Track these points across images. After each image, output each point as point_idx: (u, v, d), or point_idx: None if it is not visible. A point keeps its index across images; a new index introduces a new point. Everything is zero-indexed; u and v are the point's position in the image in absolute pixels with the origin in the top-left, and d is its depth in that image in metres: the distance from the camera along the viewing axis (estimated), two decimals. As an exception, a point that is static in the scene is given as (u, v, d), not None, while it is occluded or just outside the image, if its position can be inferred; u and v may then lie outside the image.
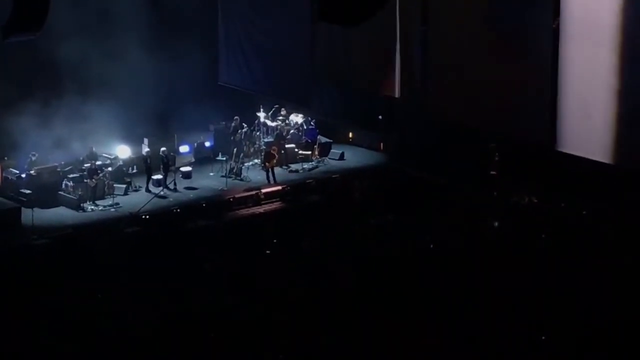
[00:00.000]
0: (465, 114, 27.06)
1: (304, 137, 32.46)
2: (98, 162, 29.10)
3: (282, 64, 30.53)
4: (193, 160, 31.62)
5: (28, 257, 25.08)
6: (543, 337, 20.61)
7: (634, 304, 21.64)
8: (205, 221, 27.73)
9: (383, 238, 26.26)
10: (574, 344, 20.28)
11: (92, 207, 28.08)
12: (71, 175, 28.59)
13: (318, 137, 32.64)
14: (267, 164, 30.34)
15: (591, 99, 24.42)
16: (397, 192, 29.35)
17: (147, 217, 27.41)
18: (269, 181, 30.23)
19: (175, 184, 29.51)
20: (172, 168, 29.95)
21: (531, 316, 21.42)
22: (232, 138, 31.44)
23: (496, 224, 26.80)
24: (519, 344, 20.36)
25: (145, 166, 29.74)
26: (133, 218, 27.22)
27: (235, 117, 31.86)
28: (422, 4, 27.99)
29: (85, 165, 28.93)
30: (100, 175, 28.41)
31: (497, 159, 29.40)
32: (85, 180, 28.24)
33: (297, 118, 32.75)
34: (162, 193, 29.08)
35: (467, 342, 20.40)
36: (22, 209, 27.06)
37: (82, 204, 27.98)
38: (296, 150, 32.02)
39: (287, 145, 31.79)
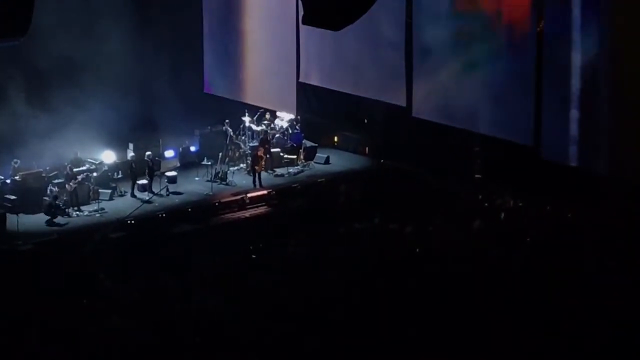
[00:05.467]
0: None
1: (289, 142, 32.49)
2: (82, 168, 29.05)
3: (267, 73, 30.60)
4: (178, 165, 31.62)
5: (13, 262, 25.02)
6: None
7: (620, 306, 21.73)
8: (191, 226, 27.72)
9: (368, 242, 26.31)
10: (559, 347, 20.36)
11: (77, 212, 28.03)
12: (56, 181, 28.53)
13: (303, 141, 32.69)
14: (256, 167, 30.35)
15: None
16: (383, 196, 29.42)
17: (133, 222, 27.38)
18: (254, 185, 30.24)
19: (168, 189, 29.46)
20: (157, 173, 29.95)
21: (517, 320, 21.48)
22: (226, 142, 31.50)
23: (481, 227, 26.86)
24: (506, 347, 20.41)
25: (130, 171, 29.72)
26: (119, 223, 27.20)
27: (227, 121, 31.88)
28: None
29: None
30: (80, 178, 28.31)
31: (481, 162, 29.51)
32: (65, 186, 28.21)
33: (282, 122, 32.77)
34: (148, 198, 29.07)
35: (454, 345, 20.44)
36: (7, 214, 27.00)
37: (66, 210, 27.92)
38: (281, 154, 32.06)
39: (272, 150, 31.82)
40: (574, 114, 24.67)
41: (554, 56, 24.83)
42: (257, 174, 30.29)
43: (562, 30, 24.54)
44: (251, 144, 31.95)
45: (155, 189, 29.53)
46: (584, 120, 24.53)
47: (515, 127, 25.67)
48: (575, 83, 24.59)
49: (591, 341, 20.27)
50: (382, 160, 32.13)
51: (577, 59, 24.42)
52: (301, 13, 16.68)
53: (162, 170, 30.41)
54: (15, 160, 28.64)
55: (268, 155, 31.42)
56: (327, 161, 32.54)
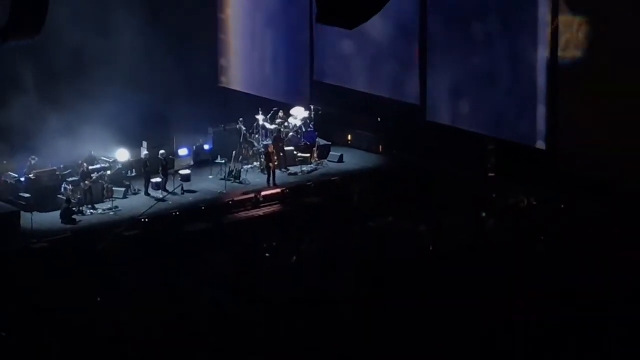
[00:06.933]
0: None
1: (302, 140, 32.46)
2: (97, 166, 29.10)
3: (282, 69, 30.74)
4: (192, 163, 31.63)
5: (27, 261, 25.07)
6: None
7: (633, 304, 21.69)
8: (204, 224, 27.73)
9: (382, 240, 26.29)
10: (573, 345, 20.32)
11: (91, 210, 28.08)
12: (70, 179, 28.58)
13: (317, 139, 32.65)
14: (270, 164, 30.34)
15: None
16: (396, 195, 29.38)
17: (147, 220, 27.42)
18: (269, 183, 30.24)
19: (183, 188, 29.46)
20: (171, 171, 29.96)
21: (530, 318, 21.46)
22: (240, 140, 31.53)
23: (495, 225, 26.84)
24: (519, 345, 20.39)
25: (144, 169, 29.74)
26: (133, 222, 27.25)
27: (241, 119, 31.88)
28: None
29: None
30: (95, 177, 28.37)
31: (494, 160, 29.47)
32: (80, 184, 28.26)
33: (295, 121, 32.74)
34: (162, 196, 29.10)
35: (466, 345, 20.41)
36: (22, 212, 27.05)
37: (80, 208, 27.97)
38: (295, 152, 32.03)
39: (286, 148, 31.80)
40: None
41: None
42: (271, 171, 30.28)
43: None
44: (265, 143, 31.94)
45: (169, 188, 29.56)
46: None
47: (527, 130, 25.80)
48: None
49: (605, 338, 20.26)
50: (394, 152, 32.07)
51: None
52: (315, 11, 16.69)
53: (175, 168, 30.42)
54: (32, 157, 28.72)
55: (282, 154, 31.41)
56: (340, 159, 32.49)
